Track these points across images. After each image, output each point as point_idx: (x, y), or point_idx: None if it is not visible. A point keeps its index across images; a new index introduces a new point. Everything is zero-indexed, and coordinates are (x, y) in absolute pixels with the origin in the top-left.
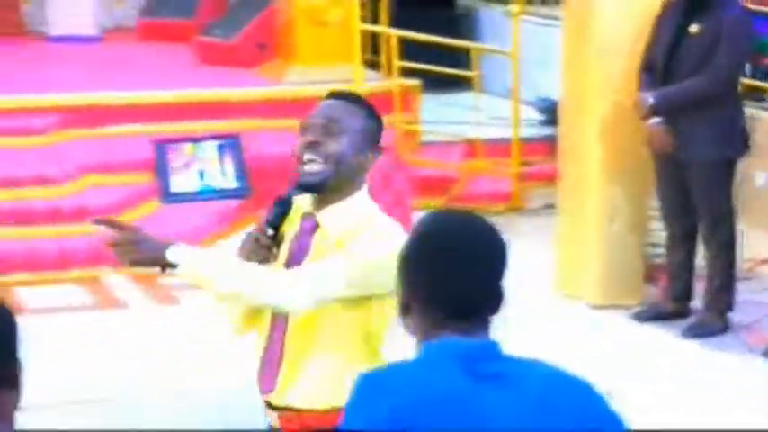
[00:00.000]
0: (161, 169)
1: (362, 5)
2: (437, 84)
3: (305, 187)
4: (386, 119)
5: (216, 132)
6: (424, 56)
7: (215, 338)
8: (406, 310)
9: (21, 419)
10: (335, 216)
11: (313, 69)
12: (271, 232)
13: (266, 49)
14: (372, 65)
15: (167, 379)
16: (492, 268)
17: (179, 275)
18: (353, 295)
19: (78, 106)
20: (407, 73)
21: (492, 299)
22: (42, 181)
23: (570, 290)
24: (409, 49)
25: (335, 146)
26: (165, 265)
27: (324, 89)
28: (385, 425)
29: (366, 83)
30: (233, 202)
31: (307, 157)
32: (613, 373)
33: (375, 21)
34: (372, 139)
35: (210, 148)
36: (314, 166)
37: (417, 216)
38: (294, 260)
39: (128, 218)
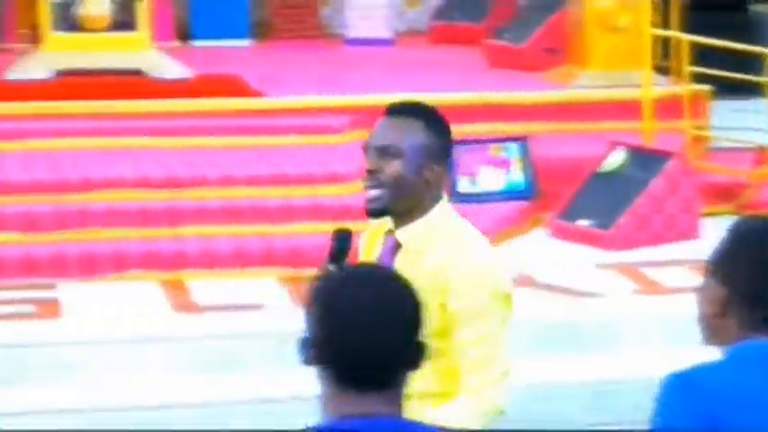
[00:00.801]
0: (449, 169)
1: (654, 10)
2: (729, 89)
3: (369, 214)
4: (675, 124)
5: (504, 135)
6: (716, 61)
7: None
8: (723, 311)
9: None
10: (414, 233)
11: (603, 74)
12: (332, 269)
13: (555, 53)
14: (663, 70)
15: None
16: None
17: None
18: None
19: (371, 107)
20: (698, 78)
21: None
22: (334, 179)
23: None
24: (701, 54)
25: (392, 170)
26: None
27: (613, 93)
28: (701, 423)
29: (655, 88)
30: (519, 204)
31: (366, 184)
32: None
33: (666, 25)
34: (436, 152)
35: (499, 149)
36: (372, 193)
37: (704, 223)
38: None
39: None
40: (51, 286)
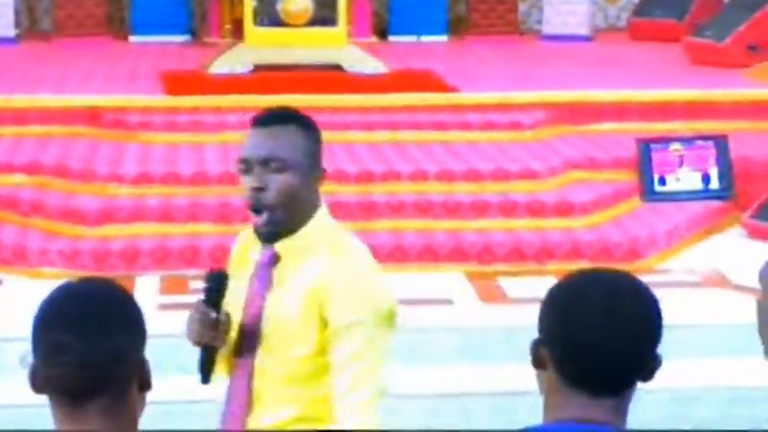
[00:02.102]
0: (644, 168)
1: None
2: None
3: (265, 240)
4: None
5: (702, 133)
6: None
7: None
8: None
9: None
10: (294, 245)
11: None
12: (213, 314)
13: (758, 51)
14: None
15: None
16: None
17: None
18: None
19: (566, 103)
20: None
21: None
22: (527, 175)
23: None
24: None
25: (281, 184)
26: None
27: None
28: None
29: None
30: (714, 204)
31: (254, 205)
32: None
33: None
34: (315, 155)
35: (696, 148)
36: (265, 216)
37: None
38: (256, 294)
39: (607, 215)
40: None
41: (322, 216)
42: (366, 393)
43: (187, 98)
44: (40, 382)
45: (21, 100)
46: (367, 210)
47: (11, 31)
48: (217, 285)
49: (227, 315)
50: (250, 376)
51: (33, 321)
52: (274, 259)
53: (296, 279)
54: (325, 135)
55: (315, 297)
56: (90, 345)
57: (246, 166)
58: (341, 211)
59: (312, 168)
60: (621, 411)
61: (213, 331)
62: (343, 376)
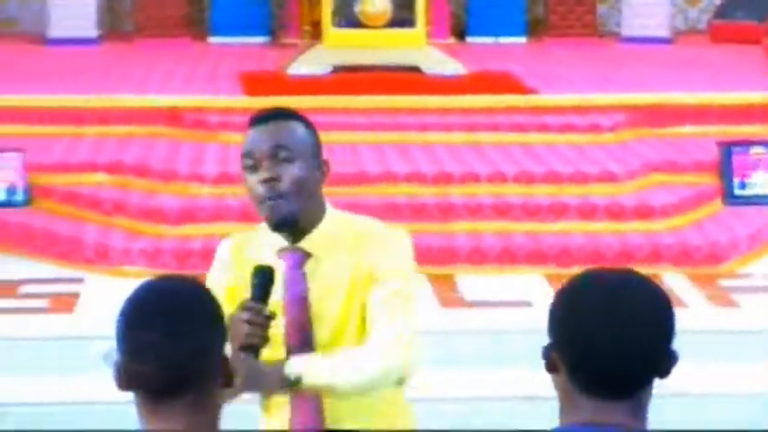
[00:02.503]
0: (725, 171)
1: None
2: None
3: (279, 227)
4: None
5: None
6: None
7: None
8: None
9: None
10: (322, 238)
11: None
12: (263, 308)
13: None
14: None
15: None
16: None
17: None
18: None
19: (646, 106)
20: None
21: None
22: (606, 177)
23: None
24: None
25: (293, 175)
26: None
27: None
28: None
29: None
30: None
31: (269, 194)
32: None
33: None
34: (318, 148)
35: None
36: (279, 202)
37: None
38: (294, 298)
39: (688, 219)
40: None
41: (332, 213)
42: (403, 329)
43: (266, 99)
44: (124, 379)
45: (103, 100)
46: (445, 211)
47: (93, 32)
48: (265, 281)
49: (274, 312)
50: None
51: (117, 319)
52: (304, 257)
53: (332, 273)
54: (404, 136)
55: (358, 279)
56: (174, 343)
57: (253, 161)
58: (419, 212)
59: (316, 162)
60: (639, 412)
61: (263, 330)
62: (381, 310)
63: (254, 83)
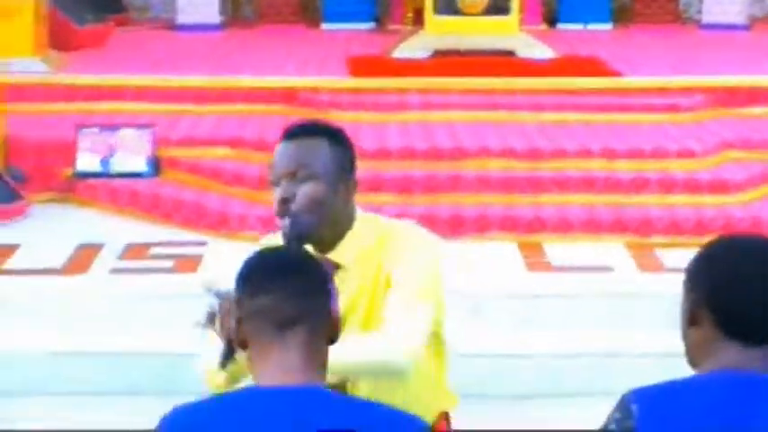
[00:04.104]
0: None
1: None
2: None
3: (294, 243)
4: None
5: None
6: None
7: None
8: None
9: None
10: (348, 251)
11: None
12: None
13: None
14: None
15: None
16: None
17: None
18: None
19: (723, 88)
20: None
21: None
22: (685, 154)
23: None
24: None
25: (309, 192)
26: None
27: None
28: None
29: None
30: None
31: (279, 214)
32: None
33: None
34: (346, 164)
35: None
36: (287, 221)
37: None
38: None
39: (760, 193)
40: None
41: (361, 221)
42: (414, 320)
43: (371, 80)
44: (246, 316)
45: (225, 81)
46: (535, 184)
47: (216, 19)
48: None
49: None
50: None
51: (239, 270)
52: (333, 270)
53: (359, 281)
54: (497, 115)
55: (380, 287)
56: (292, 278)
57: (275, 177)
58: (511, 185)
59: (342, 178)
60: None
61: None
62: (393, 302)
63: (360, 65)
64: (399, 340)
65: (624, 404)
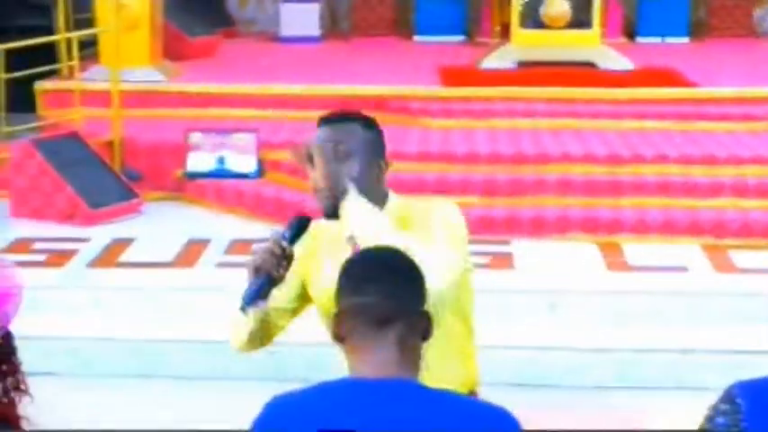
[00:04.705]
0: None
1: None
2: None
3: (332, 217)
4: None
5: None
6: None
7: None
8: None
9: None
10: None
11: None
12: (285, 244)
13: None
14: None
15: None
16: None
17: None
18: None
19: None
20: None
21: None
22: (758, 161)
23: None
24: None
25: (347, 170)
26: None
27: None
28: None
29: None
30: None
31: (320, 189)
32: None
33: None
34: (379, 148)
35: None
36: (327, 196)
37: None
38: None
39: None
40: (506, 242)
41: (395, 201)
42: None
43: (460, 89)
44: (346, 314)
45: (323, 89)
46: (614, 188)
47: (316, 32)
48: (299, 229)
49: (291, 256)
50: None
51: (339, 273)
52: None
53: None
54: (579, 123)
55: None
56: (390, 277)
57: (313, 156)
58: (591, 188)
59: (374, 159)
60: None
61: (277, 262)
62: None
63: (450, 75)
64: (437, 261)
65: (730, 397)
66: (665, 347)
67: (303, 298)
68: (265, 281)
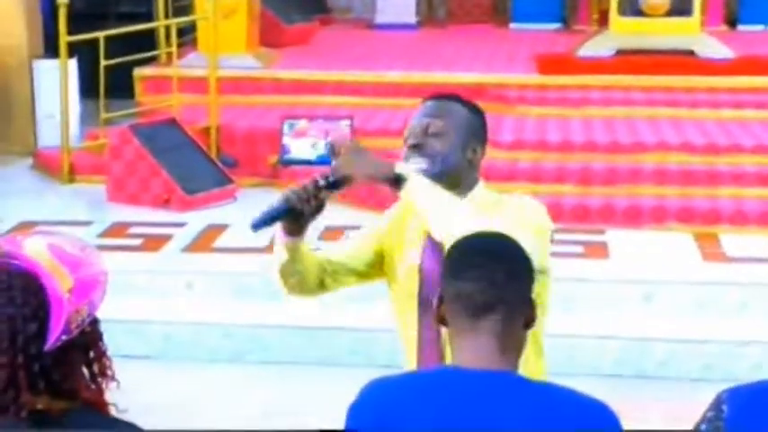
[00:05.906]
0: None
1: None
2: None
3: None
4: None
5: None
6: None
7: None
8: None
9: None
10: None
11: None
12: (322, 183)
13: None
14: None
15: None
16: None
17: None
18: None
19: None
20: None
21: None
22: None
23: None
24: None
25: (438, 145)
26: (393, 182)
27: None
28: None
29: None
30: None
31: (410, 154)
32: None
33: None
34: (477, 133)
35: None
36: (421, 164)
37: None
38: (431, 268)
39: None
40: (600, 231)
41: (483, 189)
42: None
43: (557, 77)
44: (449, 298)
45: (419, 76)
46: (712, 178)
47: (412, 19)
48: (340, 186)
49: (323, 199)
50: (439, 343)
51: (445, 257)
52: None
53: None
54: (677, 112)
55: None
56: (494, 265)
57: (408, 132)
58: (688, 178)
59: (471, 142)
60: None
61: (307, 199)
62: None
63: (547, 63)
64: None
65: (717, 403)
66: (760, 339)
67: (375, 267)
68: (284, 210)
